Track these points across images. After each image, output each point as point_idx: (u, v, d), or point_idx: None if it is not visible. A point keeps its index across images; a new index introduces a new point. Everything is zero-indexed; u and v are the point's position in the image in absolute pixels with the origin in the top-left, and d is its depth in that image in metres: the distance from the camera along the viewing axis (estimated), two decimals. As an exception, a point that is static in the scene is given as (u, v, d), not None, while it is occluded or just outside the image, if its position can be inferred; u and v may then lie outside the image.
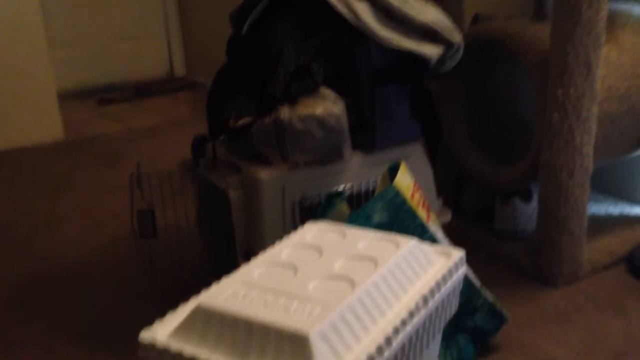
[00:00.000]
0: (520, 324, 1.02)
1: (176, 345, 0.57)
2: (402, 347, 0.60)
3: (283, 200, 1.02)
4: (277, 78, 0.99)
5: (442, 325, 0.71)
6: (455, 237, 1.00)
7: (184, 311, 0.62)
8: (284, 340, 0.54)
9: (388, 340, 0.57)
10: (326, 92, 1.02)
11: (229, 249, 1.07)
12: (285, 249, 0.71)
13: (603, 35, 1.03)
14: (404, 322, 0.60)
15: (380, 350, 0.56)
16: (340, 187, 1.06)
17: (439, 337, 0.74)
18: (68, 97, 2.85)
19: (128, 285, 1.22)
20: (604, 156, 1.19)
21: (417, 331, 0.62)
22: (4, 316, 1.13)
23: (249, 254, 0.97)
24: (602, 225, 1.30)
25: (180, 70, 3.45)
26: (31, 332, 1.08)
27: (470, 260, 0.79)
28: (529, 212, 1.27)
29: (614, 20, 1.17)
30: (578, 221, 1.11)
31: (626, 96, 1.14)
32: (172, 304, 0.64)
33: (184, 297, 0.65)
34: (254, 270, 0.66)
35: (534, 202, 1.27)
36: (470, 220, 1.37)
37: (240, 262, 0.99)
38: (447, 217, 1.18)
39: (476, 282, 0.95)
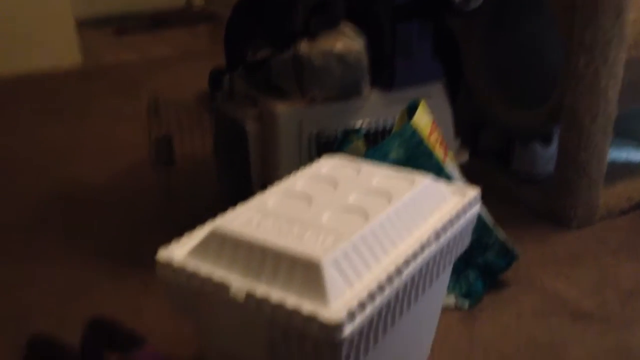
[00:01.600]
0: (531, 263, 1.03)
1: (192, 265, 0.59)
2: (412, 278, 0.61)
3: (300, 134, 1.02)
4: (297, 13, 0.98)
5: (453, 259, 0.72)
6: (472, 177, 0.99)
7: (200, 234, 0.64)
8: (296, 266, 0.55)
9: (398, 271, 0.58)
10: (346, 28, 1.00)
11: (244, 181, 1.08)
12: (300, 180, 0.71)
13: (636, -24, 0.99)
14: (415, 255, 0.61)
15: (390, 279, 0.57)
16: (358, 124, 1.05)
17: (449, 271, 0.75)
18: (85, 26, 2.82)
19: (145, 210, 1.24)
20: (628, 102, 1.17)
21: (427, 264, 0.63)
22: (21, 234, 1.17)
23: (264, 186, 0.98)
24: (621, 170, 1.29)
25: (198, 0, 3.39)
26: (47, 249, 1.11)
27: (485, 200, 0.79)
28: (547, 155, 1.26)
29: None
30: (597, 165, 1.10)
31: (656, 41, 1.10)
32: (189, 229, 0.66)
33: (200, 222, 0.66)
34: (269, 199, 0.67)
35: (554, 146, 1.25)
36: (487, 161, 1.36)
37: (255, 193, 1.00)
38: (465, 157, 1.17)
39: (489, 220, 0.96)
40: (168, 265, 0.60)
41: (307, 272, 0.54)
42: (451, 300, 0.93)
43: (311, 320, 0.52)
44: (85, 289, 1.00)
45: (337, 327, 0.51)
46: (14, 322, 0.93)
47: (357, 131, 1.02)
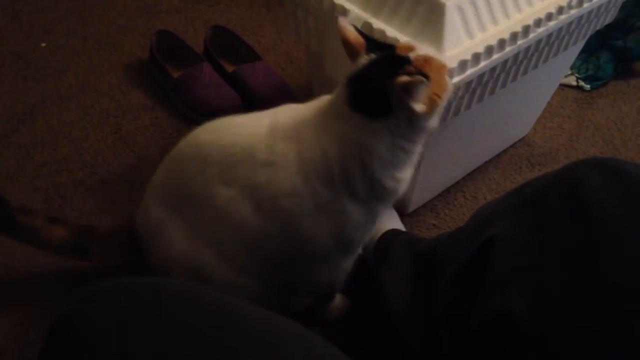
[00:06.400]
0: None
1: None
2: (538, 42, 0.57)
3: None
4: None
5: (589, 33, 0.66)
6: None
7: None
8: (418, 4, 0.53)
9: (525, 31, 0.55)
10: None
11: None
12: None
13: None
14: (548, 17, 0.56)
15: (514, 37, 0.54)
16: None
17: (579, 46, 0.70)
18: None
19: None
20: None
21: (560, 30, 0.59)
22: None
23: None
24: None
25: None
26: None
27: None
28: None
29: None
30: None
31: None
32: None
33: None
34: None
35: None
36: None
37: None
38: None
39: (644, 2, 0.85)
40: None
41: (429, 13, 0.52)
42: (572, 79, 0.88)
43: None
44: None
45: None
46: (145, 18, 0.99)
47: None
